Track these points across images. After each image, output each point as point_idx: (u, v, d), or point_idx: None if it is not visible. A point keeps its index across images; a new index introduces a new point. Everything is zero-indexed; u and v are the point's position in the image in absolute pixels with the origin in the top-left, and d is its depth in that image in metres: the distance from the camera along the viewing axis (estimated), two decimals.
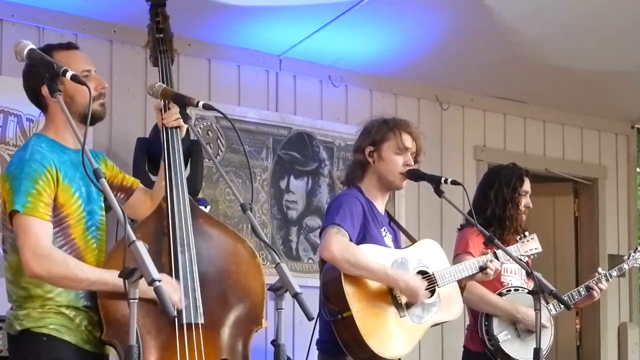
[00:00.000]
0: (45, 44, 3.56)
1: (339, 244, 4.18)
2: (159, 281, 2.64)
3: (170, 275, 3.44)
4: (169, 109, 3.68)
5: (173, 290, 3.35)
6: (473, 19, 6.29)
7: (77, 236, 3.43)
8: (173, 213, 3.54)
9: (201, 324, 3.46)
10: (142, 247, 2.68)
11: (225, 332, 3.52)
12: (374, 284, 4.26)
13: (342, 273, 4.18)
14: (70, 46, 3.58)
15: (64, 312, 3.39)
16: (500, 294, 5.12)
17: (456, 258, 5.06)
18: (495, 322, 5.07)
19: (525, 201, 5.38)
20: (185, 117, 3.55)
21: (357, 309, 4.16)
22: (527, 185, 5.43)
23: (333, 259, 4.18)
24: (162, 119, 3.68)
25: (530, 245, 5.04)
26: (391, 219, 4.61)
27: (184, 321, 3.42)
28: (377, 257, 4.31)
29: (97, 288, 3.34)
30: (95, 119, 3.51)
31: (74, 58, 3.51)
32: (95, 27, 5.69)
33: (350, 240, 4.25)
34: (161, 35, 3.89)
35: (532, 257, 5.07)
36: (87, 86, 3.08)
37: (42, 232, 3.30)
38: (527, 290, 5.06)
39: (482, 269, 4.56)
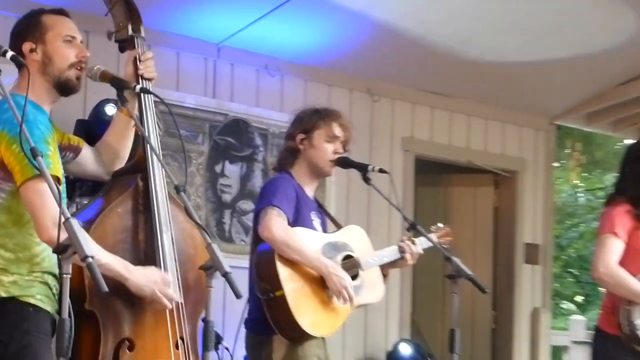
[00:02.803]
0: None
1: (280, 226, 4.18)
2: (92, 257, 2.63)
3: (154, 253, 3.42)
4: (144, 60, 3.66)
5: (167, 285, 3.35)
6: (404, 15, 6.32)
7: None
8: (155, 191, 3.50)
9: (181, 303, 3.45)
10: (76, 224, 2.66)
11: (184, 312, 3.49)
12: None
13: (277, 254, 4.18)
14: (61, 12, 3.53)
15: (47, 282, 3.31)
16: None
17: (600, 238, 4.79)
18: (637, 309, 4.68)
19: None
20: (123, 101, 3.51)
21: (289, 289, 4.16)
22: None
23: (273, 240, 4.16)
24: (138, 69, 3.64)
25: (445, 236, 4.95)
26: (319, 204, 4.62)
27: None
28: (310, 240, 4.32)
29: (102, 271, 3.18)
30: (68, 89, 3.46)
31: (62, 23, 3.48)
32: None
33: (288, 222, 4.25)
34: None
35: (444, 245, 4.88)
36: (27, 67, 3.03)
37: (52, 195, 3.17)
38: None
39: (402, 253, 4.57)
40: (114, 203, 3.48)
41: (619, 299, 4.75)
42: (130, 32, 3.73)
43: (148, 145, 3.52)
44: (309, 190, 4.50)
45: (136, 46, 3.71)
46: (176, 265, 3.47)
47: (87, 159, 3.68)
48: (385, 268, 4.60)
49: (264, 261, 4.23)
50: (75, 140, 3.68)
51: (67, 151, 3.62)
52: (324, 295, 4.28)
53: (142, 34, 3.75)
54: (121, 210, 3.47)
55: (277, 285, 4.15)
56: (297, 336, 4.20)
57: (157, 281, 3.35)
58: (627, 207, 4.80)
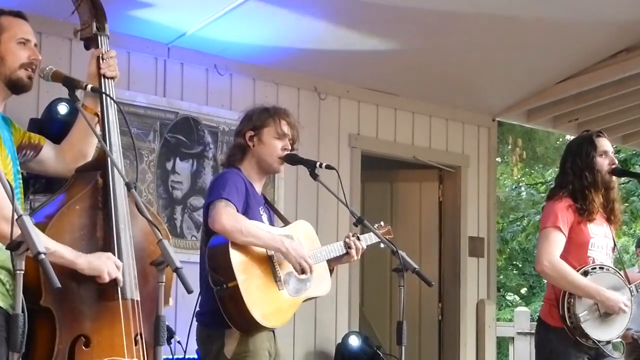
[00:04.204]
0: None
1: (229, 215, 4.18)
2: (44, 254, 2.63)
3: (111, 250, 3.40)
4: (107, 59, 3.64)
5: (117, 268, 3.34)
6: (349, 16, 6.37)
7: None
8: (114, 190, 3.48)
9: (137, 300, 3.43)
10: (28, 222, 2.66)
11: (143, 308, 3.47)
12: (257, 257, 4.27)
13: (230, 245, 4.17)
14: (19, 14, 3.54)
15: None
16: (586, 273, 4.79)
17: (543, 232, 4.83)
18: (578, 301, 4.74)
19: (608, 161, 4.89)
20: (75, 100, 3.51)
21: (242, 280, 4.15)
22: (603, 145, 4.92)
23: (224, 230, 4.17)
24: (100, 68, 3.63)
25: (386, 234, 4.96)
26: (266, 200, 4.63)
27: (127, 296, 3.40)
28: None
29: (52, 260, 3.10)
30: (19, 87, 3.47)
31: (18, 25, 3.49)
32: None
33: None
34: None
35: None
36: None
37: (4, 192, 3.05)
38: (612, 269, 4.88)
39: (348, 249, 4.60)
40: (72, 200, 3.46)
41: (562, 291, 4.82)
42: (94, 30, 3.71)
43: (106, 144, 3.53)
44: (257, 186, 4.52)
45: (99, 45, 3.70)
46: (133, 263, 3.46)
47: (49, 156, 3.67)
48: (331, 263, 4.63)
49: (218, 252, 4.22)
50: (36, 138, 3.67)
51: (28, 149, 3.62)
52: (274, 288, 4.30)
53: (107, 33, 3.73)
54: (79, 207, 3.45)
55: (231, 275, 4.15)
56: (249, 327, 4.21)
57: (110, 257, 3.35)
58: (569, 202, 4.88)
